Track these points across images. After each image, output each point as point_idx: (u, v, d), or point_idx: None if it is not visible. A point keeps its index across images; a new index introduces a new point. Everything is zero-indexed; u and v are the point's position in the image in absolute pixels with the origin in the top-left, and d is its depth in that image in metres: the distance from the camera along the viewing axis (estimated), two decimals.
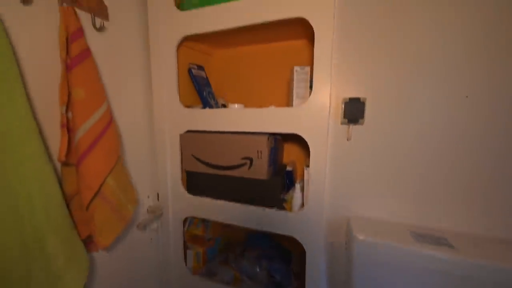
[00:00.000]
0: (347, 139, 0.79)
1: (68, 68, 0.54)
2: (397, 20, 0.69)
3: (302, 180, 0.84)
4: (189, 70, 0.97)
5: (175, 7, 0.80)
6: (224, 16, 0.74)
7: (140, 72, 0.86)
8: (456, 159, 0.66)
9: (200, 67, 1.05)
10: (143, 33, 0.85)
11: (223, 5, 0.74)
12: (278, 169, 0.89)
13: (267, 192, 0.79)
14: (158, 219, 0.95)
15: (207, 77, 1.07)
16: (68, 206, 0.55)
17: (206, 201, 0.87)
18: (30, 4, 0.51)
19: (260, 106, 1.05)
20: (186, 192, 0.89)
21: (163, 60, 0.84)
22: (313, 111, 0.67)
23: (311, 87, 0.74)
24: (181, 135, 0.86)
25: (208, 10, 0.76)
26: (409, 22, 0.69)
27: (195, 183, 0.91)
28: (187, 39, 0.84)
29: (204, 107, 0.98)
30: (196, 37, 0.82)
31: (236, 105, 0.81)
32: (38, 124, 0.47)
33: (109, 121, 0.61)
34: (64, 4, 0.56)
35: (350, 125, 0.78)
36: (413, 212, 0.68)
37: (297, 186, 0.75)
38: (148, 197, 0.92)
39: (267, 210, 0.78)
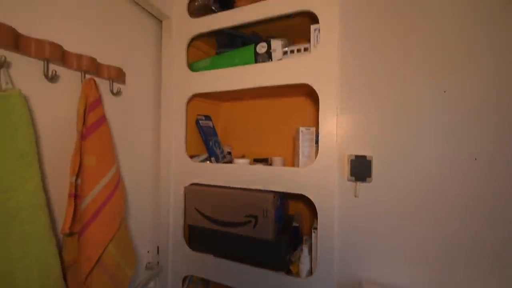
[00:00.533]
0: (355, 196, 0.78)
1: (83, 137, 0.56)
2: (400, 84, 0.73)
3: (310, 238, 0.81)
4: (197, 122, 1.00)
5: (187, 68, 0.86)
6: (231, 79, 0.79)
7: (150, 127, 0.89)
8: (468, 222, 0.64)
9: (208, 117, 1.09)
10: (156, 91, 0.90)
11: (231, 69, 0.79)
12: (284, 224, 0.86)
13: (273, 253, 0.75)
14: (157, 276, 0.89)
15: (213, 126, 1.11)
16: (65, 275, 0.53)
17: (208, 258, 0.82)
18: (57, 81, 0.55)
19: (266, 155, 1.07)
20: (188, 247, 0.86)
21: (173, 115, 0.88)
22: (320, 172, 0.67)
23: (317, 142, 0.76)
24: (185, 188, 0.86)
25: (217, 72, 0.81)
26: (413, 86, 0.73)
27: (198, 238, 0.88)
28: (196, 95, 0.89)
29: (210, 156, 0.99)
30: (205, 93, 0.87)
31: (241, 160, 0.82)
32: (47, 198, 0.48)
33: (117, 184, 0.62)
34: (87, 76, 0.61)
35: (357, 182, 0.77)
36: (426, 277, 0.64)
37: (305, 249, 0.72)
38: (148, 252, 0.88)
39: (273, 274, 0.73)
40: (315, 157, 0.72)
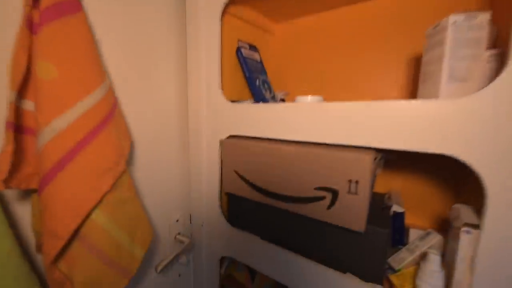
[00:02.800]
0: None
1: (33, 28, 0.31)
2: None
3: (428, 234, 0.47)
4: (238, 50, 0.69)
5: None
6: None
7: (173, 50, 0.62)
8: None
9: (253, 47, 0.76)
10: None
11: None
12: (374, 206, 0.53)
13: (361, 253, 0.45)
14: (190, 252, 0.71)
15: (261, 61, 0.78)
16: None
17: (253, 240, 0.57)
18: None
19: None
20: (226, 222, 0.62)
21: (202, 31, 0.58)
22: (496, 111, 0.29)
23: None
24: (221, 142, 0.59)
25: None
26: None
27: (238, 212, 0.63)
28: (235, 2, 0.56)
29: (255, 101, 0.69)
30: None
31: (309, 97, 0.49)
32: None
33: (107, 116, 0.37)
34: None
35: None
36: None
37: (434, 258, 0.38)
38: (177, 221, 0.69)
39: (358, 284, 0.43)
40: (484, 81, 0.34)
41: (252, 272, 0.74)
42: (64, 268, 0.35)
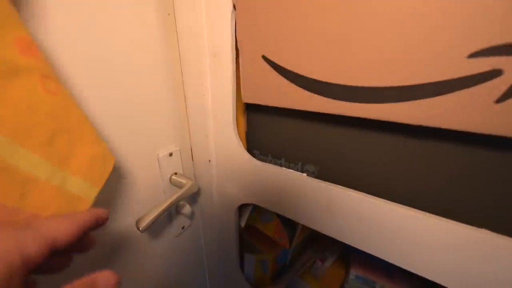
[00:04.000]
0: None
1: None
2: None
3: None
4: None
5: None
6: None
7: None
8: None
9: None
10: None
11: None
12: None
13: None
14: (195, 200, 0.50)
15: None
16: None
17: (293, 181, 0.34)
18: None
19: None
20: (245, 151, 0.38)
21: None
22: None
23: None
24: (236, 2, 0.30)
25: None
26: None
27: (270, 135, 0.39)
28: None
29: None
30: None
31: None
32: None
33: None
34: None
35: None
36: None
37: None
38: (171, 155, 0.45)
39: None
40: None
41: (285, 223, 0.54)
42: None
